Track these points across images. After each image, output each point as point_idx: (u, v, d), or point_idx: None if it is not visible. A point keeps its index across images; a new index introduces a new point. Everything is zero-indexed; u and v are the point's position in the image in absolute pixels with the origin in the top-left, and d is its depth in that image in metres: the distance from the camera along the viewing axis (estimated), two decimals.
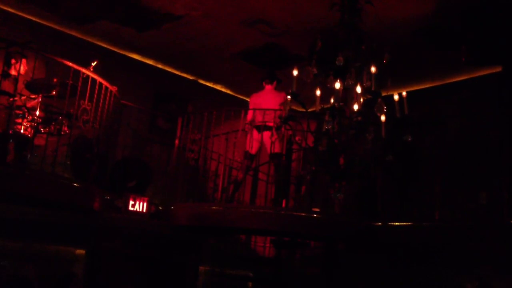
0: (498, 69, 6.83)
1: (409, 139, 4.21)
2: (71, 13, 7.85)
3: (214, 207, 6.21)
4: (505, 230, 4.84)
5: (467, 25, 6.36)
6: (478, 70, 7.66)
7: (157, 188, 7.03)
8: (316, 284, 6.06)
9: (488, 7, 6.21)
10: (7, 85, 6.04)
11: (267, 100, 7.15)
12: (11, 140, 5.79)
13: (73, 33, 8.39)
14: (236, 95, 10.14)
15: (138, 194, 6.52)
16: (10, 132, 5.80)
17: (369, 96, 4.54)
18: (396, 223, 5.08)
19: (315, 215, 5.48)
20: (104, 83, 6.36)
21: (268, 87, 7.45)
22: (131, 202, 6.38)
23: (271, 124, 6.49)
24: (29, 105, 6.12)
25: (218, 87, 9.96)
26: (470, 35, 6.31)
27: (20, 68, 6.33)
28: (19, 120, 6.00)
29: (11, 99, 5.76)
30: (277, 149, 6.73)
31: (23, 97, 6.15)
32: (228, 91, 10.08)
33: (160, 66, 9.32)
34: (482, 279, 5.11)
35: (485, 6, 6.21)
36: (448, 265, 5.17)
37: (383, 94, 4.51)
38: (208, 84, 9.80)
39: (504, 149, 5.59)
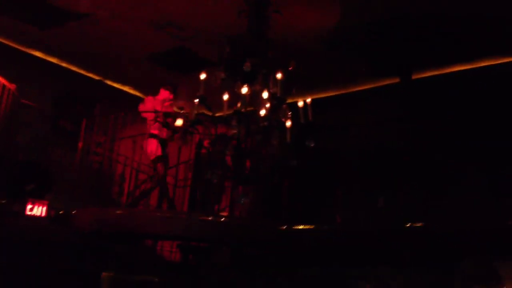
0: (397, 79, 7.25)
1: (312, 144, 4.35)
2: None
3: (119, 212, 6.07)
4: (400, 232, 5.13)
5: (368, 38, 6.70)
6: (379, 80, 8.07)
7: (59, 192, 6.74)
8: None
9: (387, 23, 6.59)
10: None
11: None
12: None
13: None
14: (145, 97, 9.94)
15: (37, 198, 6.22)
16: None
17: (274, 102, 4.65)
18: (300, 227, 5.22)
19: (222, 219, 5.51)
20: (2, 80, 6.04)
21: (165, 94, 7.45)
22: (29, 206, 6.07)
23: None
24: None
25: (126, 88, 9.72)
26: (371, 48, 6.65)
27: None
28: None
29: None
30: (159, 152, 6.77)
31: None
32: (137, 93, 9.86)
33: (64, 65, 8.95)
34: (379, 279, 5.36)
35: (385, 22, 6.59)
36: (348, 266, 5.38)
37: (290, 100, 4.63)
38: (115, 85, 9.54)
39: (401, 155, 5.94)
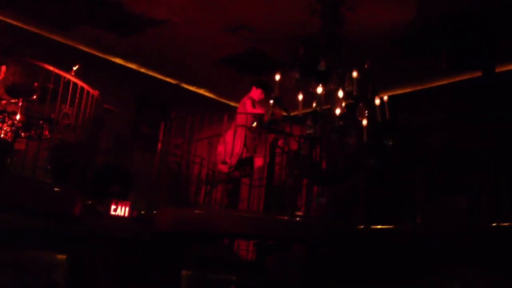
0: (479, 73, 6.93)
1: (390, 143, 4.26)
2: (52, 18, 7.83)
3: (197, 212, 6.20)
4: (486, 233, 4.90)
5: (447, 32, 6.46)
6: (460, 74, 7.75)
7: (139, 193, 7.00)
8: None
9: (467, 14, 6.32)
10: None
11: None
12: None
13: (55, 38, 8.34)
14: (219, 99, 10.14)
15: (120, 199, 6.49)
16: None
17: (350, 101, 4.61)
18: (379, 226, 5.11)
19: (297, 218, 5.51)
20: (86, 87, 6.33)
21: (257, 93, 7.38)
22: (113, 207, 6.34)
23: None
24: (9, 109, 6.07)
25: (201, 91, 9.96)
26: (450, 42, 6.41)
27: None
28: None
29: None
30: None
31: (3, 102, 6.10)
32: (212, 95, 10.07)
33: (143, 70, 9.30)
34: (464, 281, 5.15)
35: (465, 14, 6.32)
36: (430, 268, 5.21)
37: (365, 98, 4.56)
38: (191, 88, 9.80)
39: (484, 153, 5.68)
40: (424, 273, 5.07)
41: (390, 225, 5.07)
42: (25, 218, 6.00)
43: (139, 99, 9.20)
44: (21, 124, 5.98)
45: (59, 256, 6.15)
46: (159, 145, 7.42)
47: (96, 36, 8.23)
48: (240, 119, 7.06)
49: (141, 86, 9.20)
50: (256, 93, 7.46)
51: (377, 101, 4.41)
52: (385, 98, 4.42)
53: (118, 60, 9.01)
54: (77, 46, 8.56)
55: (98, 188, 6.67)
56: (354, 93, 4.61)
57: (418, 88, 8.29)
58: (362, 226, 5.03)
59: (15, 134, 5.91)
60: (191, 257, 6.45)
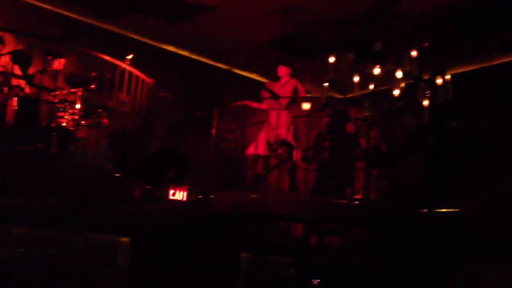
0: None
1: (454, 124, 4.13)
2: (103, 8, 7.95)
3: (254, 195, 6.23)
4: None
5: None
6: None
7: (196, 177, 7.10)
8: (359, 272, 6.02)
9: None
10: (46, 80, 6.19)
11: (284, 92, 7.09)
12: (53, 133, 5.93)
13: (107, 27, 8.48)
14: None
15: (177, 184, 6.60)
16: (53, 125, 5.94)
17: (410, 81, 4.49)
18: (444, 210, 4.92)
19: (356, 202, 5.45)
20: (141, 75, 6.45)
21: (284, 70, 7.26)
22: (171, 192, 6.46)
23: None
24: (69, 99, 6.26)
25: (252, 75, 9.94)
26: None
27: (58, 64, 6.46)
28: (61, 114, 6.15)
29: (52, 93, 5.91)
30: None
31: (63, 91, 6.30)
32: (263, 79, 10.04)
33: (194, 57, 9.36)
34: None
35: None
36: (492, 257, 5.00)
37: (425, 77, 4.43)
38: (242, 73, 9.80)
39: None
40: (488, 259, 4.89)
41: (453, 208, 4.89)
42: (86, 203, 6.21)
43: (192, 85, 9.27)
44: (81, 113, 6.17)
45: (122, 239, 6.34)
46: (213, 130, 7.49)
47: (147, 24, 8.32)
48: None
49: (193, 73, 9.27)
50: (282, 71, 7.30)
51: (439, 81, 4.27)
52: (448, 77, 4.26)
53: (170, 48, 9.09)
54: (129, 35, 8.68)
55: (155, 173, 6.80)
56: (414, 73, 4.48)
57: (479, 66, 7.93)
58: (425, 210, 4.88)
59: (76, 123, 6.11)
60: (249, 240, 6.49)
